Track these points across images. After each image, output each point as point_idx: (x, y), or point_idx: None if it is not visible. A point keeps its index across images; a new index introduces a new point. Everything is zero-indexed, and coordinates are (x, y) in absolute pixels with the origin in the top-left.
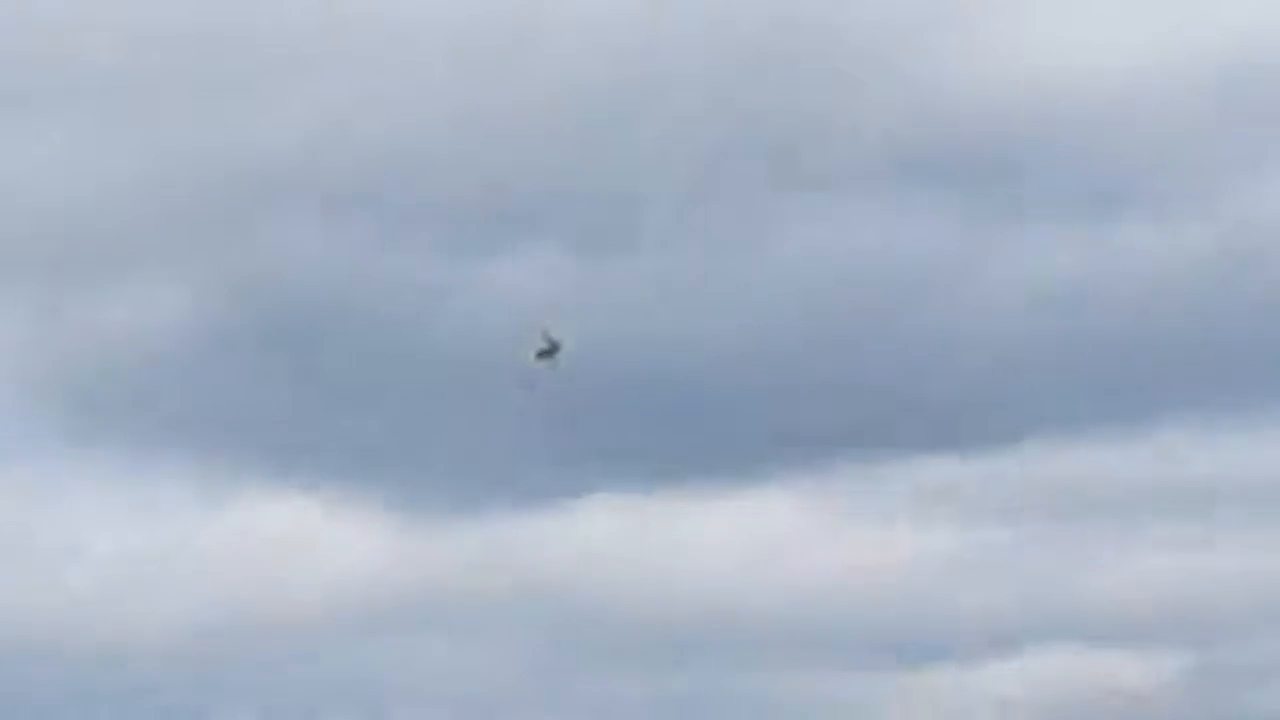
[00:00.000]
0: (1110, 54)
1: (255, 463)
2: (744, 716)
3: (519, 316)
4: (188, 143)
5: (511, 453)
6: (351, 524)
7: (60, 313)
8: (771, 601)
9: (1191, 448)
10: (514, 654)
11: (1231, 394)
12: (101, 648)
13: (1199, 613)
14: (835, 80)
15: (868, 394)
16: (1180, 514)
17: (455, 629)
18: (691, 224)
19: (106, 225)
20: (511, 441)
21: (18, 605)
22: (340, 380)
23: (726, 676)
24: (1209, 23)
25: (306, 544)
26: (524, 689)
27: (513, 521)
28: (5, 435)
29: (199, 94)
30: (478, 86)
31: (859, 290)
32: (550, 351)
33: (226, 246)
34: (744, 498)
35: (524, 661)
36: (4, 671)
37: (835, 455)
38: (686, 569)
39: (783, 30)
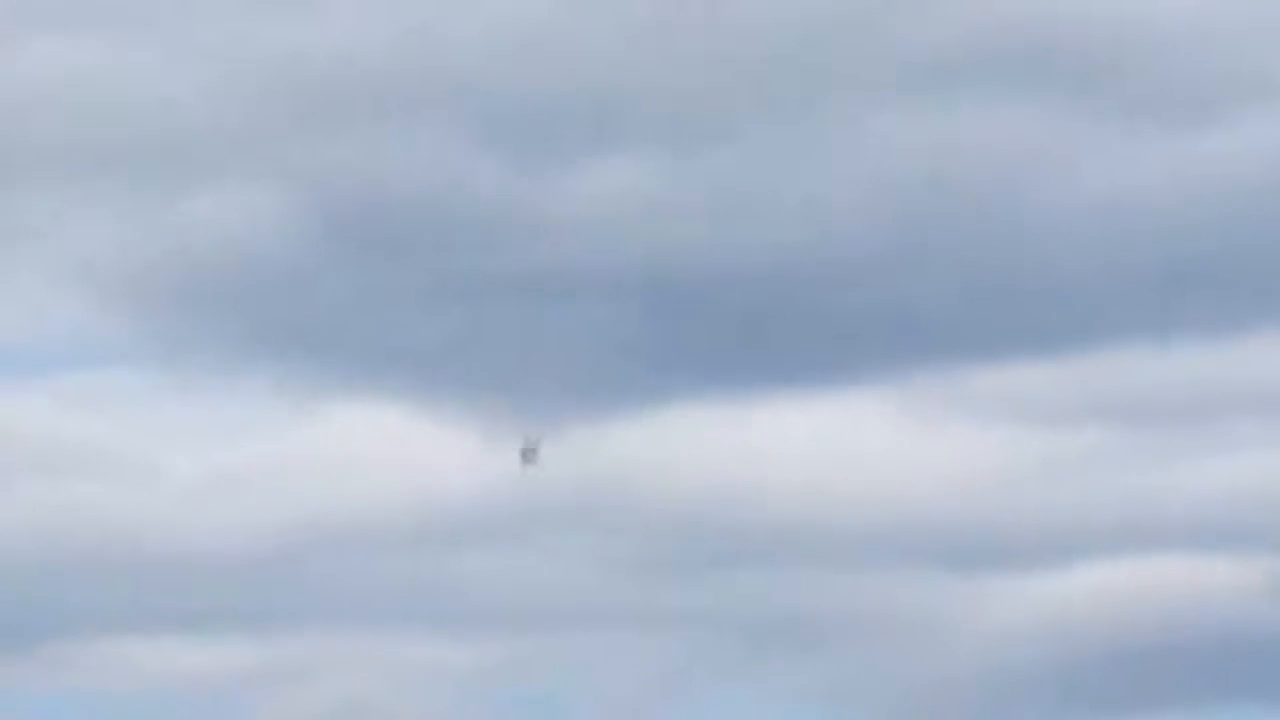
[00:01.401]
0: None
1: (340, 373)
2: (827, 622)
3: (608, 222)
4: (278, 45)
5: (596, 360)
6: (436, 434)
7: (145, 220)
8: (854, 508)
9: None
10: (597, 563)
11: None
12: (186, 560)
13: None
14: None
15: (953, 299)
16: (1265, 417)
17: (540, 539)
18: (778, 126)
19: (195, 129)
20: (596, 349)
21: (102, 518)
22: (427, 288)
23: (809, 583)
24: None
25: (391, 455)
26: (607, 598)
27: (596, 430)
28: (87, 344)
29: None
30: None
31: (947, 193)
32: (532, 454)
33: (315, 151)
34: (826, 404)
35: (607, 570)
36: (89, 585)
37: (918, 360)
38: (768, 476)
39: None
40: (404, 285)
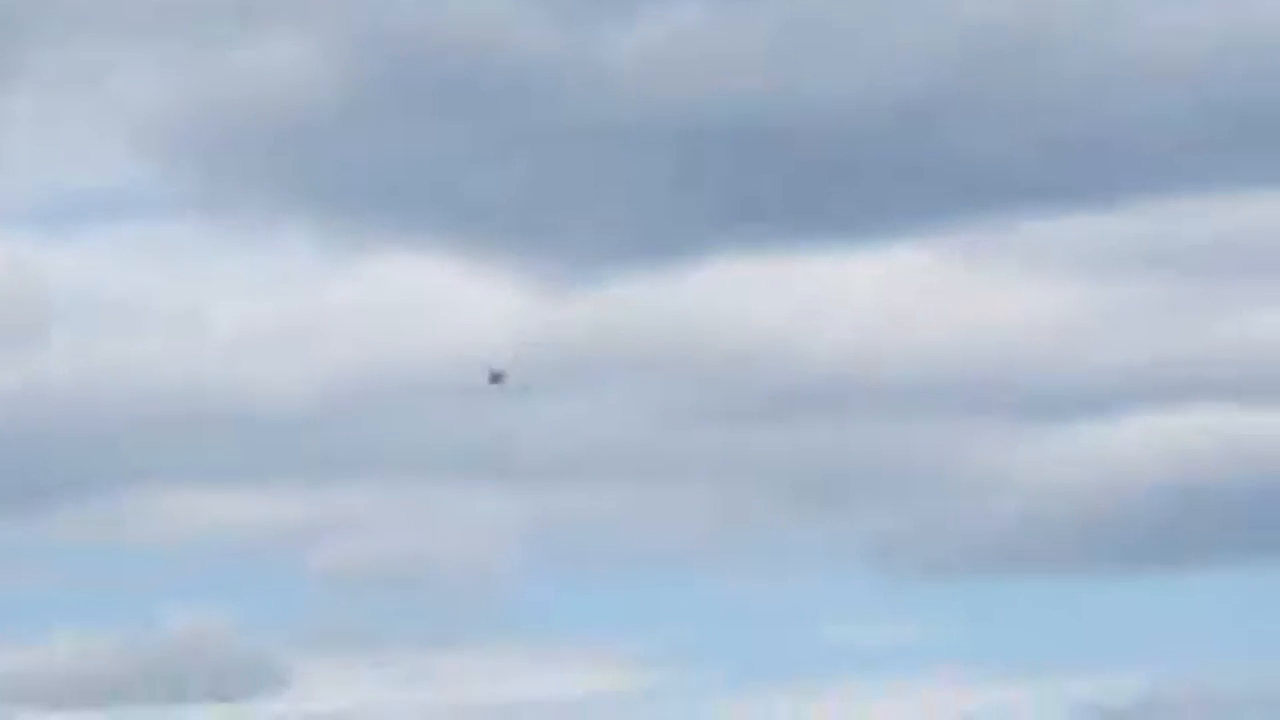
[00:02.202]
0: None
1: (385, 224)
2: (873, 472)
3: (648, 78)
4: None
5: (644, 211)
6: (479, 286)
7: (191, 72)
8: (906, 360)
9: None
10: (641, 413)
11: None
12: (230, 410)
13: None
14: None
15: (1008, 148)
16: None
17: (583, 389)
18: None
19: None
20: (645, 199)
21: (146, 369)
22: (472, 140)
23: (855, 432)
24: None
25: (433, 306)
26: (648, 447)
27: (645, 281)
28: (131, 197)
29: None
30: None
31: (994, 40)
32: (498, 378)
33: (363, 3)
34: (879, 255)
35: (649, 420)
36: (130, 436)
37: (973, 211)
38: (820, 327)
39: None
40: (449, 137)
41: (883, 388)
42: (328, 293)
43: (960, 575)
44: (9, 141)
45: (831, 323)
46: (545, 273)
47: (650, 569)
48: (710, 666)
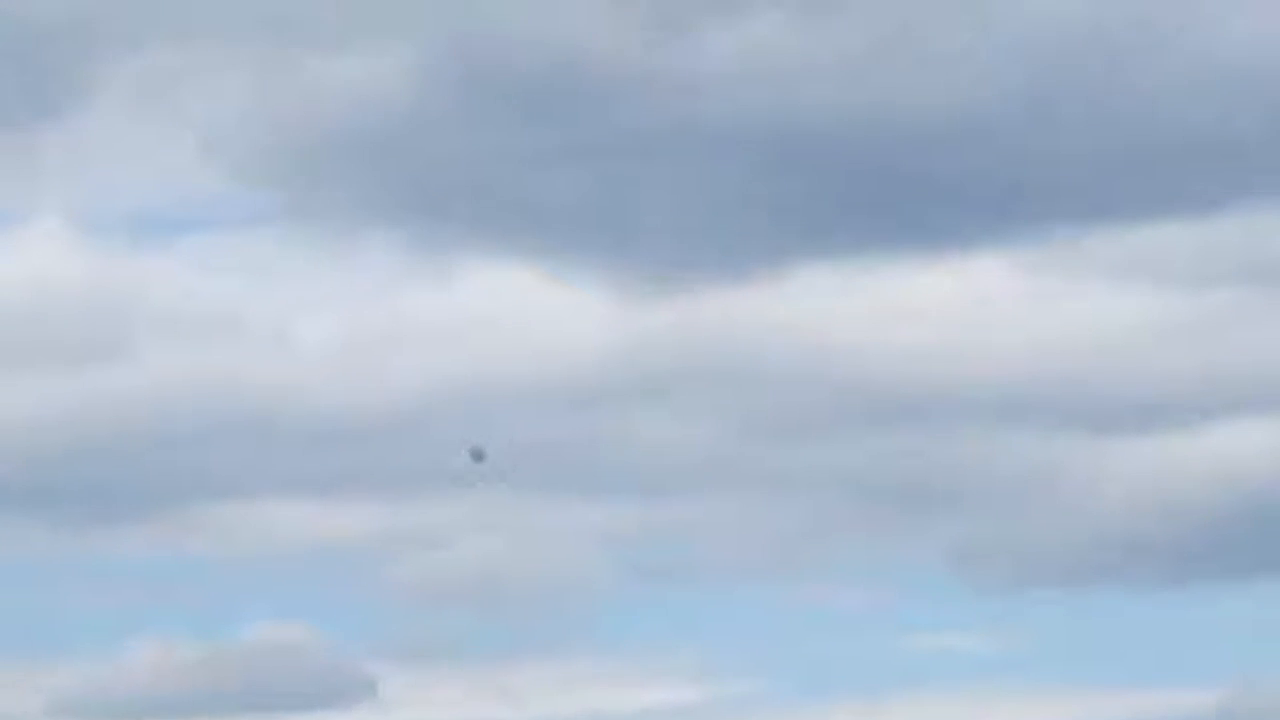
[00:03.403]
0: None
1: (470, 234)
2: (954, 483)
3: (732, 87)
4: None
5: (726, 220)
6: (567, 295)
7: (275, 81)
8: (983, 370)
9: None
10: (727, 425)
11: None
12: (317, 425)
13: None
14: None
15: (1086, 157)
16: None
17: (664, 400)
18: None
19: None
20: (727, 209)
21: (228, 381)
22: (557, 147)
23: (935, 443)
24: None
25: (516, 317)
26: (734, 459)
27: (726, 290)
28: (216, 208)
29: None
30: None
31: (1075, 47)
32: (479, 457)
33: (446, 10)
34: (956, 265)
35: (731, 431)
36: (219, 450)
37: (1050, 221)
38: (898, 337)
39: None
40: (534, 144)
41: (964, 398)
42: (411, 303)
43: (1040, 587)
44: (92, 153)
45: (913, 332)
46: (628, 282)
47: (730, 580)
48: (790, 677)
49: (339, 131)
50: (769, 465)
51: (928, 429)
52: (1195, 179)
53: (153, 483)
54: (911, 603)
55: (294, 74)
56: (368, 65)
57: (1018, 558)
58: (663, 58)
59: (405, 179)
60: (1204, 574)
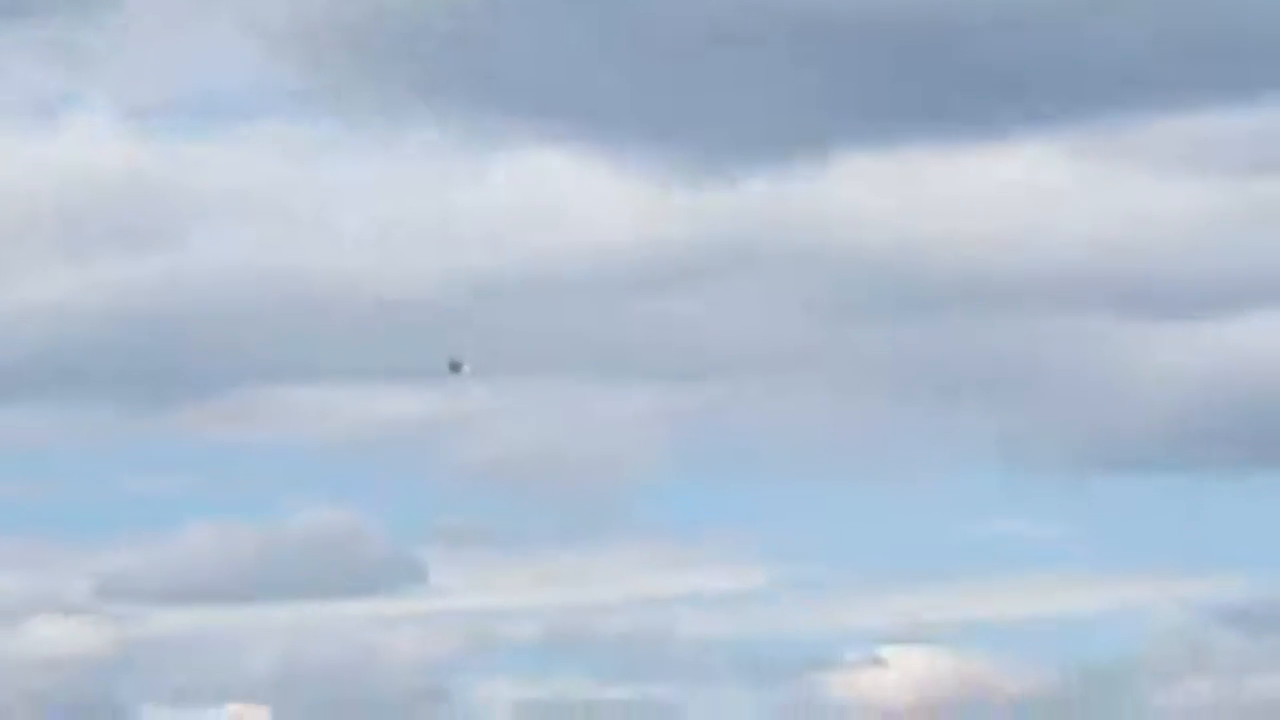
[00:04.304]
0: None
1: (516, 123)
2: (1005, 368)
3: None
4: None
5: (772, 108)
6: (610, 183)
7: None
8: (1035, 253)
9: None
10: (772, 309)
11: None
12: (367, 307)
13: None
14: None
15: (1140, 43)
16: None
17: (712, 286)
18: None
19: None
20: (772, 97)
21: (281, 266)
22: (598, 38)
23: (987, 329)
24: None
25: (565, 203)
26: (778, 344)
27: (772, 177)
28: (261, 96)
29: None
30: None
31: None
32: (457, 368)
33: None
34: (1005, 152)
35: (780, 317)
36: (266, 333)
37: (1103, 105)
38: (948, 222)
39: None
40: (580, 35)
41: (1015, 284)
42: (461, 189)
43: (1091, 472)
44: (146, 42)
45: (964, 219)
46: (676, 170)
47: (781, 466)
48: (844, 564)
49: (388, 22)
50: (819, 350)
51: (978, 315)
52: (1253, 67)
53: (205, 367)
54: (969, 490)
55: None
56: None
57: (1074, 444)
58: None
59: (455, 69)
60: (1260, 459)
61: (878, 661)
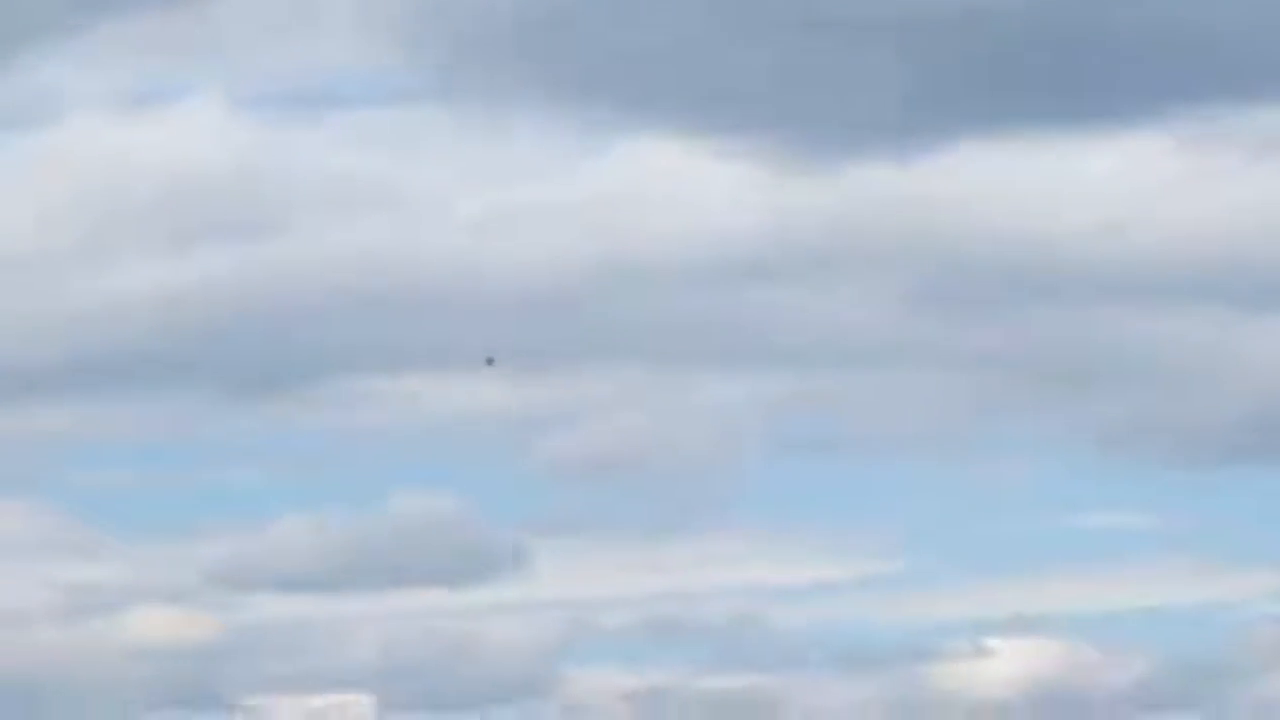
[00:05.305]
0: None
1: (625, 111)
2: (1111, 359)
3: None
4: None
5: (884, 99)
6: (719, 172)
7: None
8: (1141, 243)
9: None
10: (879, 299)
11: None
12: (469, 299)
13: None
14: None
15: (1247, 31)
16: None
17: (821, 275)
18: None
19: None
20: (884, 88)
21: (384, 255)
22: (708, 27)
23: (1093, 319)
24: None
25: (673, 192)
26: (885, 333)
27: (881, 167)
28: (372, 83)
29: None
30: None
31: None
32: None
33: None
34: (1112, 142)
35: (887, 306)
36: (366, 322)
37: (1210, 95)
38: (1055, 211)
39: None
40: (691, 23)
41: (1122, 274)
42: (569, 178)
43: (1200, 466)
44: (252, 27)
45: (1070, 209)
46: (787, 159)
47: (884, 456)
48: (943, 554)
49: (499, 9)
50: (925, 341)
51: (1084, 306)
52: None
53: (305, 356)
54: (1069, 481)
55: None
56: None
57: (1179, 436)
58: None
59: (565, 57)
60: None
61: (982, 652)
